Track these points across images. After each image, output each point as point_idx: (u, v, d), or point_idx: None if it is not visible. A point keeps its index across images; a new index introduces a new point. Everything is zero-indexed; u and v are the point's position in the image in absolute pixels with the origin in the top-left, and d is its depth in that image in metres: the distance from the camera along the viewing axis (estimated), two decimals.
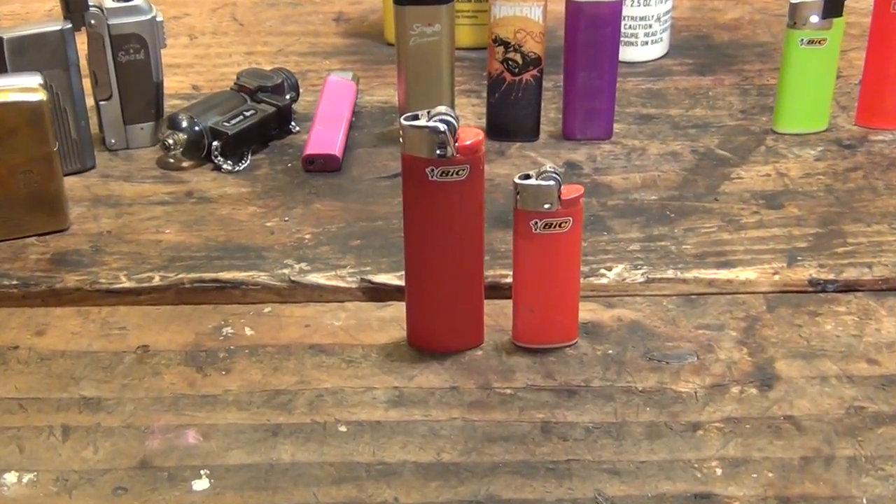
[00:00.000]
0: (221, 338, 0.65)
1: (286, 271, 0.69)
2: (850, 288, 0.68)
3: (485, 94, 0.87)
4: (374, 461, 0.56)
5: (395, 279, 0.69)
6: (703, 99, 0.93)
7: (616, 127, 0.87)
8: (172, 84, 0.94)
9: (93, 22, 0.80)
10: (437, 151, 0.58)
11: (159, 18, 0.82)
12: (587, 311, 0.66)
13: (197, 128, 0.81)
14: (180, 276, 0.69)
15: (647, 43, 0.99)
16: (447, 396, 0.60)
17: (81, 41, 0.80)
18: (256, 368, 0.62)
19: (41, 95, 0.71)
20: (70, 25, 0.78)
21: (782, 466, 0.55)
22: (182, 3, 1.14)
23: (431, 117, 0.58)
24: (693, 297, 0.68)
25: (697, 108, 0.91)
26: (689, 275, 0.69)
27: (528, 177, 0.60)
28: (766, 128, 0.87)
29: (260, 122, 0.84)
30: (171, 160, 0.83)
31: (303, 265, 0.70)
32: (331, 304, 0.68)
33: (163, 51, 0.84)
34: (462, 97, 0.93)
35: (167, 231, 0.74)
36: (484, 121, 0.87)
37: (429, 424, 0.58)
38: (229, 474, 0.55)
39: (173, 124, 0.81)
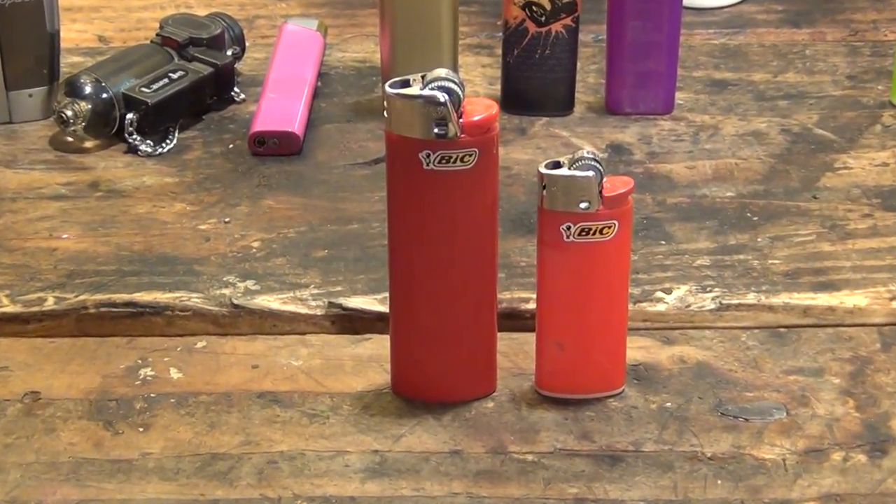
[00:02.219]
0: (138, 382, 0.65)
1: (226, 292, 0.70)
2: None
3: (499, 52, 0.87)
4: None
5: (375, 304, 0.69)
6: (797, 60, 0.93)
7: (678, 97, 0.87)
8: (72, 35, 0.95)
9: None
10: (435, 130, 0.58)
11: None
12: (637, 349, 0.67)
13: (105, 95, 0.82)
14: (82, 297, 0.70)
15: None
16: (446, 464, 0.60)
17: None
18: (186, 424, 0.63)
19: None
20: None
21: None
22: None
23: (427, 84, 0.58)
24: (782, 330, 0.68)
25: (790, 71, 0.92)
26: (778, 300, 0.69)
27: (557, 165, 0.60)
28: (882, 100, 0.88)
29: (191, 87, 0.85)
30: (71, 139, 0.83)
31: (249, 283, 0.71)
32: (288, 338, 0.68)
33: None
34: (468, 55, 0.93)
35: (65, 236, 0.75)
36: (498, 88, 0.87)
37: (421, 502, 0.58)
38: None
39: (73, 90, 0.82)
